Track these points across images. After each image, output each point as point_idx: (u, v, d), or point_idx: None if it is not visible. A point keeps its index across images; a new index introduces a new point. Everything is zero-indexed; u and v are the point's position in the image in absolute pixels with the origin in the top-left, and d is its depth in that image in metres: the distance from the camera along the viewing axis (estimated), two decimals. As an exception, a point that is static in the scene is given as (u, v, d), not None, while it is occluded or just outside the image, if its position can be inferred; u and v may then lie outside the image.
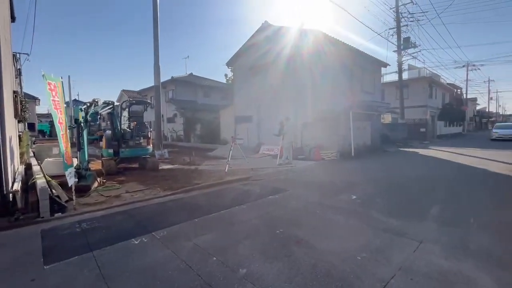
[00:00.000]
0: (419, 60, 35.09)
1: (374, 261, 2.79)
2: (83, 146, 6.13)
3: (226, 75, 28.66)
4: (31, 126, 31.74)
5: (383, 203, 4.92)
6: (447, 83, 32.38)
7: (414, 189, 6.16)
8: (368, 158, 11.35)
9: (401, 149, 15.54)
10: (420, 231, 3.57)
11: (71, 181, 4.42)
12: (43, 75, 3.94)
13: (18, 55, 15.37)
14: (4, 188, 4.14)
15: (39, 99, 29.97)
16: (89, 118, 6.24)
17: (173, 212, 4.56)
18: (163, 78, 25.09)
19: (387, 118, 23.63)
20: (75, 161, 6.41)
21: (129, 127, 9.22)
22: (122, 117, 8.85)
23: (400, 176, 7.68)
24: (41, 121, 36.44)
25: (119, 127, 8.33)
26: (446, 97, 31.40)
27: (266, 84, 14.52)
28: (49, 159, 8.58)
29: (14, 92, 6.11)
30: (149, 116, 27.96)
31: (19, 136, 8.37)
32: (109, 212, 4.59)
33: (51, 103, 3.99)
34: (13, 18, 10.40)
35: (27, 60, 15.74)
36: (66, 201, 5.29)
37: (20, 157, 7.71)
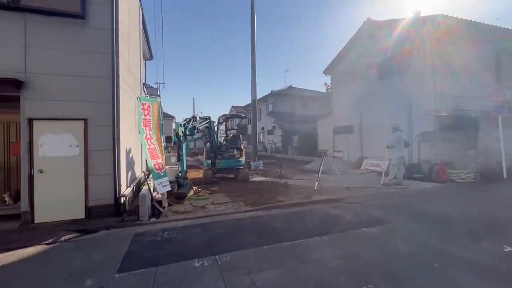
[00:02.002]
0: None
1: None
2: (182, 158, 6.84)
3: (325, 84, 27.44)
4: (168, 139, 40.81)
5: None
6: None
7: None
8: (535, 183, 7.65)
9: None
10: None
11: (163, 189, 4.84)
12: (138, 98, 4.56)
13: (157, 84, 19.98)
14: (117, 192, 4.97)
15: (174, 117, 37.99)
16: (187, 132, 6.95)
17: (246, 232, 4.21)
18: (264, 93, 26.66)
19: None
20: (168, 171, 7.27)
21: (225, 139, 9.90)
22: (219, 131, 9.58)
23: None
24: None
25: (215, 140, 9.02)
26: None
27: (370, 88, 12.65)
28: (167, 167, 10.23)
29: (140, 112, 7.57)
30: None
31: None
32: (190, 223, 4.73)
33: (141, 121, 4.54)
34: (151, 56, 13.43)
35: (164, 88, 20.10)
36: (165, 207, 5.95)
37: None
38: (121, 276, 2.89)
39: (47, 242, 3.95)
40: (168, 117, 33.16)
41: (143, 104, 4.65)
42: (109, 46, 4.91)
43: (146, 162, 6.93)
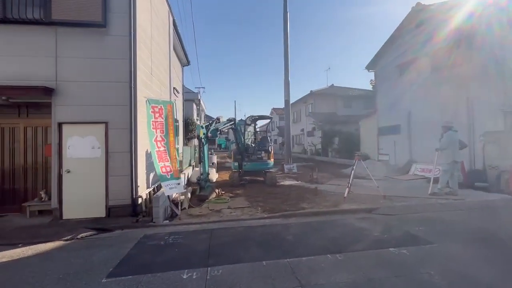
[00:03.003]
0: None
1: None
2: (203, 160, 6.79)
3: (371, 80, 25.22)
4: (212, 141, 42.55)
5: None
6: None
7: None
8: None
9: None
10: None
11: (170, 191, 4.77)
12: (146, 100, 4.58)
13: (198, 89, 20.85)
14: (134, 193, 5.09)
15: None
16: (209, 134, 6.87)
17: (252, 242, 3.84)
18: (303, 93, 25.76)
19: None
20: (185, 174, 7.24)
21: (253, 141, 9.65)
22: (247, 132, 9.36)
23: None
24: (219, 136, 47.94)
25: (242, 142, 8.82)
26: None
27: (420, 83, 11.07)
28: (197, 169, 10.41)
29: (167, 115, 7.80)
30: (293, 130, 29.54)
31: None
32: (200, 228, 4.57)
33: (150, 124, 4.55)
34: (188, 62, 13.97)
35: (204, 92, 20.92)
36: (185, 208, 5.94)
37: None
38: (108, 281, 2.81)
39: (65, 238, 4.18)
40: (211, 119, 34.50)
41: (153, 107, 4.69)
42: (127, 52, 5.08)
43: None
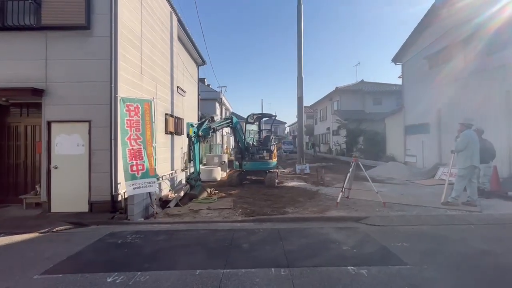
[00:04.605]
0: None
1: None
2: (194, 159, 6.73)
3: (400, 75, 22.98)
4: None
5: None
6: None
7: None
8: None
9: None
10: None
11: (134, 191, 4.76)
12: (120, 99, 4.63)
13: (220, 88, 21.11)
14: (113, 190, 5.21)
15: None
16: (200, 133, 6.78)
17: (201, 248, 3.60)
18: (330, 90, 24.52)
19: None
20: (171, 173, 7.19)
21: (258, 140, 9.36)
22: (248, 131, 9.10)
23: None
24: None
25: (242, 141, 8.60)
26: None
27: (452, 76, 9.68)
28: (202, 167, 10.49)
29: (166, 114, 7.92)
30: (319, 129, 28.34)
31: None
32: (167, 228, 4.50)
33: (124, 122, 4.58)
34: (203, 62, 14.12)
35: (225, 91, 21.14)
36: (168, 207, 5.95)
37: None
38: (38, 278, 2.84)
39: (42, 231, 4.42)
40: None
41: (128, 106, 4.73)
42: (108, 52, 5.20)
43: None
